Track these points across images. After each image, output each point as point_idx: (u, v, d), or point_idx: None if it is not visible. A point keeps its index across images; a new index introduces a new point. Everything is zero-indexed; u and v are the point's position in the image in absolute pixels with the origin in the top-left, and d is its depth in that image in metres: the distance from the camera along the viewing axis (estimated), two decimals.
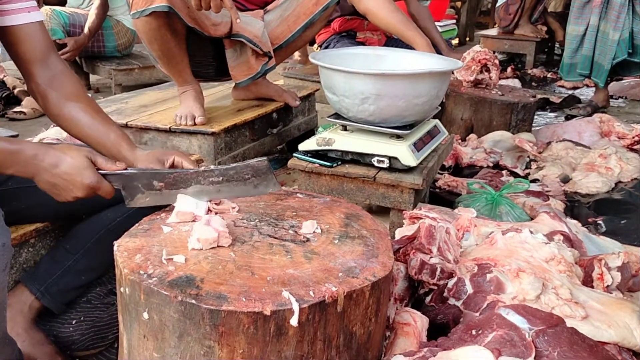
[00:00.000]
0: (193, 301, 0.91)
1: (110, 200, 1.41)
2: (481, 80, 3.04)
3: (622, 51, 3.58)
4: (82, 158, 1.13)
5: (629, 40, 3.56)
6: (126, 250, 1.06)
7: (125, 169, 1.17)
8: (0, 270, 0.98)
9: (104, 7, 3.96)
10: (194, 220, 1.16)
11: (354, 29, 3.42)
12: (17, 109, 3.62)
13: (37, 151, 1.12)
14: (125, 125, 2.20)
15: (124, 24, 4.15)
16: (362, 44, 3.35)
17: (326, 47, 3.42)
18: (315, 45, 3.75)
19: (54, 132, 1.84)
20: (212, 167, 1.14)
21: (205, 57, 2.41)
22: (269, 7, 2.42)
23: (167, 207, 1.23)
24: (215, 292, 0.93)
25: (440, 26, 6.28)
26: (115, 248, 1.07)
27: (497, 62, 3.06)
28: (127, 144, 1.35)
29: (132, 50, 4.50)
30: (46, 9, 3.95)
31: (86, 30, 3.90)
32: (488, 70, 3.02)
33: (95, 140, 1.35)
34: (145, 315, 0.97)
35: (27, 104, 3.63)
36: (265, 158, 1.14)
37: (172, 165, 1.32)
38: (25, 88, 3.94)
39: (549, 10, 6.25)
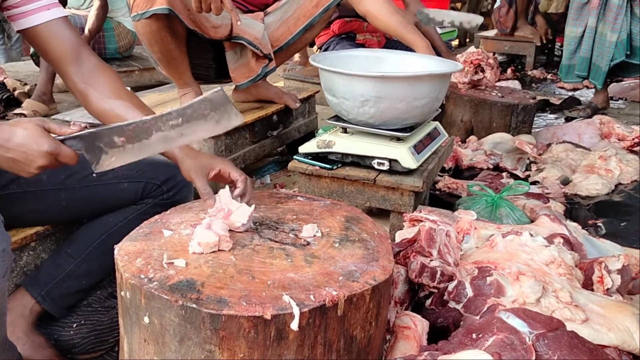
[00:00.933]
0: (194, 305, 0.91)
1: (111, 205, 1.42)
2: (478, 81, 3.04)
3: (619, 53, 3.59)
4: (33, 127, 1.08)
5: (626, 42, 3.56)
6: (127, 254, 1.06)
7: (81, 130, 1.11)
8: (0, 276, 0.99)
9: (104, 9, 3.95)
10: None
11: (353, 30, 3.42)
12: (18, 111, 3.62)
13: None
14: None
15: (125, 25, 4.15)
16: (362, 45, 3.35)
17: (326, 49, 3.42)
18: (315, 47, 3.75)
19: None
20: (168, 109, 1.07)
21: (206, 59, 2.41)
22: (269, 9, 2.42)
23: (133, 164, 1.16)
24: (215, 296, 0.93)
25: (439, 28, 6.28)
26: (115, 252, 1.07)
27: (491, 61, 3.05)
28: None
29: (133, 52, 4.50)
30: None
31: (86, 32, 3.90)
32: (483, 71, 3.02)
33: None
34: (146, 319, 0.97)
35: (28, 106, 3.63)
36: (219, 87, 1.07)
37: (217, 177, 1.30)
38: (26, 90, 3.95)
39: (549, 11, 6.24)
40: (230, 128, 1.11)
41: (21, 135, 1.06)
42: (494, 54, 3.95)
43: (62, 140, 1.08)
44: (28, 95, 3.86)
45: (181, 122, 1.08)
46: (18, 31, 1.34)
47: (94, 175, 1.40)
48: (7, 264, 1.00)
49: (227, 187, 1.25)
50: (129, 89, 1.42)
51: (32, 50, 3.91)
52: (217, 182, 1.34)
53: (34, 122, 1.09)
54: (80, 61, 1.35)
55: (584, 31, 3.73)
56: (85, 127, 1.11)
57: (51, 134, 1.09)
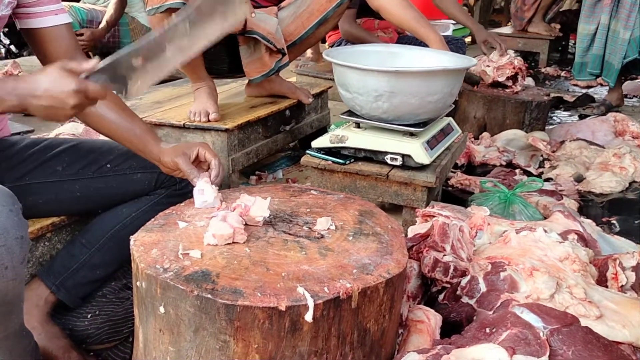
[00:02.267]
0: (209, 296, 0.92)
1: (125, 196, 1.43)
2: (503, 85, 3.01)
3: (632, 50, 3.56)
4: (55, 70, 1.08)
5: (639, 39, 3.53)
6: (142, 244, 1.07)
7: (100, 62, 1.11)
8: (19, 263, 1.00)
9: (122, 2, 3.97)
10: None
11: (365, 29, 3.41)
12: None
13: (15, 82, 1.08)
14: None
15: (140, 20, 4.16)
16: None
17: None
18: (327, 44, 3.75)
19: (69, 128, 1.86)
20: (172, 16, 1.05)
21: (219, 53, 2.41)
22: (282, 4, 2.42)
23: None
24: (230, 287, 0.94)
25: (453, 24, 6.25)
26: (131, 242, 1.08)
27: (525, 75, 3.05)
28: (153, 138, 1.37)
29: None
30: (64, 5, 3.96)
31: (104, 23, 3.92)
32: (515, 79, 3.00)
33: (121, 136, 1.37)
34: (162, 310, 0.98)
35: None
36: None
37: (197, 158, 1.34)
38: None
39: (562, 9, 6.20)
40: (239, 20, 1.08)
41: (45, 80, 1.07)
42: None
43: (86, 77, 1.09)
44: None
45: (189, 26, 1.07)
46: (20, 29, 1.37)
47: (108, 165, 1.41)
48: (25, 251, 1.01)
49: (204, 175, 1.30)
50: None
51: None
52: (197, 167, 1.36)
53: (55, 65, 1.09)
54: None
55: (597, 28, 3.70)
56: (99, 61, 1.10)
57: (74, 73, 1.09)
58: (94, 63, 1.09)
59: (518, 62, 2.99)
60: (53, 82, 1.07)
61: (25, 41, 1.42)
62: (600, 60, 3.75)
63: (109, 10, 3.93)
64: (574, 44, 6.35)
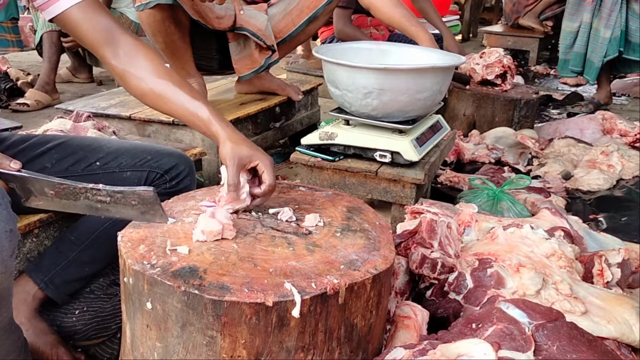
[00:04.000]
0: (196, 291, 0.92)
1: None
2: (492, 83, 3.02)
3: (613, 49, 3.60)
4: None
5: (620, 38, 3.57)
6: (130, 240, 1.07)
7: (19, 170, 1.13)
8: (8, 256, 0.99)
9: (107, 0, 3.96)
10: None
11: (357, 26, 3.42)
12: (21, 100, 3.63)
13: None
14: (129, 118, 2.21)
15: (128, 16, 4.14)
16: None
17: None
18: (318, 41, 3.75)
19: (57, 124, 1.84)
20: (100, 186, 1.10)
21: (209, 50, 2.41)
22: (273, 1, 2.42)
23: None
24: (218, 282, 0.94)
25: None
26: (119, 238, 1.08)
27: (514, 73, 3.05)
28: (217, 119, 1.27)
29: None
30: None
31: None
32: (504, 78, 3.01)
33: (185, 118, 1.31)
34: (149, 305, 0.98)
35: (30, 96, 3.64)
36: (151, 189, 1.08)
37: (253, 170, 1.23)
38: (29, 80, 3.95)
39: None
40: (152, 222, 1.12)
41: None
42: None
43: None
44: (31, 85, 3.87)
45: (109, 201, 1.11)
46: (50, 20, 1.32)
47: (97, 163, 1.41)
48: (14, 244, 1.01)
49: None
50: (167, 65, 1.38)
51: (36, 41, 3.91)
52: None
53: None
54: (115, 43, 1.31)
55: (580, 26, 3.74)
56: (21, 169, 1.14)
57: None
58: (15, 167, 1.13)
59: (507, 60, 3.00)
60: None
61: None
62: (582, 58, 3.81)
63: None
64: None
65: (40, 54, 3.93)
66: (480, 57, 3.04)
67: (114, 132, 1.93)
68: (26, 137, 1.45)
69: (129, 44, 1.32)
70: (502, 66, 2.97)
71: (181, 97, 1.29)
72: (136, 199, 1.09)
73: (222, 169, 1.23)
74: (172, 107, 1.31)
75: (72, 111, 2.03)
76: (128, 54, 1.31)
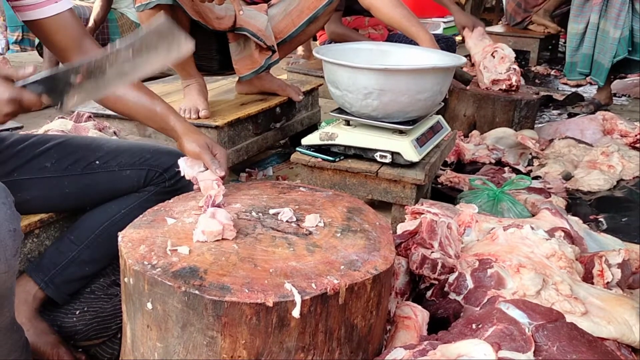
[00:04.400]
0: (196, 292, 0.92)
1: (114, 192, 1.43)
2: (503, 82, 2.99)
3: (622, 49, 3.56)
4: None
5: (629, 38, 3.55)
6: (130, 241, 1.07)
7: (34, 72, 1.10)
8: (11, 256, 1.00)
9: (108, 0, 3.96)
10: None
11: (355, 27, 3.42)
12: None
13: None
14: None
15: (129, 16, 4.15)
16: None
17: None
18: (317, 43, 3.75)
19: (58, 124, 1.85)
20: (116, 43, 1.07)
21: (209, 50, 2.41)
22: (273, 1, 2.42)
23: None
24: (218, 283, 0.94)
25: (444, 22, 6.26)
26: (119, 239, 1.08)
27: (519, 86, 3.02)
28: (174, 115, 1.38)
29: None
30: None
31: (91, 22, 3.90)
32: (509, 91, 2.99)
33: (143, 115, 1.39)
34: (149, 306, 0.98)
35: None
36: (164, 17, 1.06)
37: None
38: None
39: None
40: (182, 55, 1.10)
41: None
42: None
43: (23, 86, 1.07)
44: None
45: (132, 55, 1.08)
46: (24, 21, 1.35)
47: (97, 162, 1.41)
48: (17, 244, 1.02)
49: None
50: None
51: (37, 41, 3.91)
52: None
53: None
54: (82, 50, 1.38)
55: (586, 28, 3.71)
56: (35, 70, 1.09)
57: (10, 80, 1.08)
58: (31, 70, 1.08)
59: (516, 78, 2.95)
60: None
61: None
62: (589, 59, 3.76)
63: (95, 9, 3.92)
64: (564, 43, 6.38)
65: (41, 54, 3.93)
66: (486, 59, 3.00)
67: (114, 133, 1.93)
68: (26, 136, 1.45)
69: (94, 51, 1.39)
70: (510, 85, 2.94)
71: (139, 98, 1.38)
72: (155, 37, 1.07)
73: (181, 161, 1.33)
74: (131, 108, 1.39)
75: (73, 111, 2.03)
76: None
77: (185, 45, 1.09)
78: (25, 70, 1.08)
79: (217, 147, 1.35)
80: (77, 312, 1.42)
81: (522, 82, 3.48)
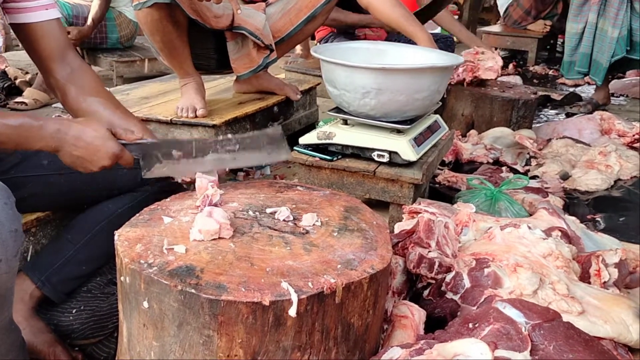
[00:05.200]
0: (193, 290, 0.92)
1: (110, 191, 1.43)
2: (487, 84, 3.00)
3: (620, 49, 3.56)
4: (103, 130, 1.17)
5: (627, 37, 3.55)
6: (127, 239, 1.07)
7: (141, 138, 1.19)
8: (12, 256, 1.00)
9: None
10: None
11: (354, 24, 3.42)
12: (19, 99, 3.62)
13: (60, 126, 1.14)
14: None
15: (127, 15, 4.15)
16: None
17: (325, 43, 3.42)
18: (314, 42, 3.75)
19: None
20: (229, 135, 1.16)
21: (207, 49, 2.41)
22: (271, 0, 2.42)
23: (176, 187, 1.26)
24: (214, 282, 0.94)
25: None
26: (116, 237, 1.08)
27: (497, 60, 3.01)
28: (149, 137, 1.36)
29: (134, 42, 4.50)
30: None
31: (89, 21, 3.90)
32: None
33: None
34: (145, 304, 0.98)
35: (29, 95, 3.63)
36: (279, 127, 1.15)
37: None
38: (27, 79, 3.94)
39: None
40: (278, 161, 1.21)
41: (91, 135, 1.15)
42: (496, 48, 3.89)
43: (125, 145, 1.17)
44: (29, 84, 3.86)
45: (238, 149, 1.17)
46: (10, 24, 1.37)
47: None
48: (18, 244, 1.02)
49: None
50: (109, 89, 1.49)
51: None
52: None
53: (103, 124, 1.18)
54: (65, 61, 1.40)
55: (585, 27, 3.71)
56: (142, 138, 1.19)
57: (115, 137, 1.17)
58: (138, 136, 1.18)
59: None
60: (98, 139, 1.15)
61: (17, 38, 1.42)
62: (587, 58, 3.75)
63: (94, 8, 3.91)
64: (562, 42, 6.38)
65: None
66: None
67: None
68: None
69: (77, 64, 1.42)
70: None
71: (114, 117, 1.37)
72: (264, 140, 1.14)
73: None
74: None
75: (132, 130, 2.03)
76: (74, 72, 1.41)
77: (284, 155, 1.20)
78: (134, 136, 1.20)
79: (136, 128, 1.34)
80: (74, 311, 1.41)
81: (520, 81, 3.49)
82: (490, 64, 2.95)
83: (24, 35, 1.37)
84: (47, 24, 1.36)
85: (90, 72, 1.44)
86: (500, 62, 2.98)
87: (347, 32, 3.42)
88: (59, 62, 1.39)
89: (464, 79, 2.95)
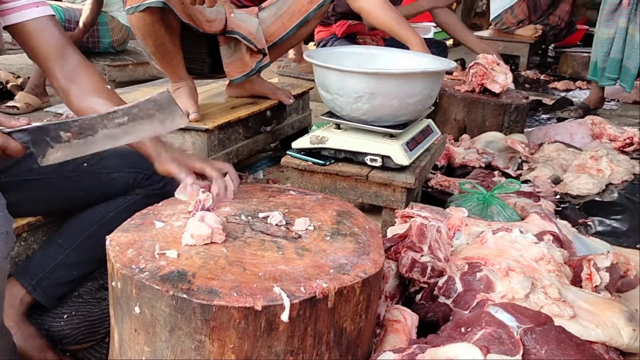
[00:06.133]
0: (185, 296, 0.91)
1: (102, 195, 1.42)
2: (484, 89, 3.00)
3: None
4: None
5: None
6: (118, 244, 1.06)
7: (29, 124, 1.11)
8: (2, 259, 0.99)
9: (99, 2, 3.95)
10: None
11: (356, 32, 3.43)
12: (10, 103, 3.61)
13: None
14: None
15: (119, 20, 4.14)
16: None
17: (323, 46, 3.43)
18: (312, 43, 3.76)
19: None
20: (114, 107, 1.09)
21: (200, 53, 2.41)
22: (263, 5, 2.42)
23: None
24: (206, 287, 0.94)
25: (434, 27, 6.28)
26: (107, 242, 1.07)
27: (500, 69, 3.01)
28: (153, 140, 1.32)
29: (127, 46, 4.49)
30: None
31: (80, 25, 3.89)
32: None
33: None
34: (137, 310, 0.97)
35: (20, 99, 3.62)
36: (166, 90, 1.08)
37: (195, 173, 1.28)
38: (18, 83, 3.93)
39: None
40: (174, 129, 1.11)
41: None
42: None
43: (9, 133, 1.08)
44: (21, 87, 3.85)
45: (127, 120, 1.10)
46: (4, 27, 1.35)
47: (85, 165, 1.40)
48: (9, 246, 1.01)
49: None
50: (109, 87, 1.45)
51: None
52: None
53: None
54: (65, 59, 1.38)
55: (615, 32, 3.61)
56: (30, 123, 1.10)
57: None
58: (24, 122, 1.09)
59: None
60: None
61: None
62: (618, 64, 3.64)
63: (85, 12, 3.90)
64: (554, 47, 6.42)
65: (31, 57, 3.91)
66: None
67: None
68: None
69: (76, 61, 1.39)
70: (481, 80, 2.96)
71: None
72: (154, 107, 1.07)
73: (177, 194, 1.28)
74: None
75: (61, 114, 2.02)
76: (74, 70, 1.38)
77: (180, 120, 1.11)
78: (17, 122, 1.10)
79: (197, 161, 1.31)
80: (65, 316, 1.41)
81: (512, 86, 3.50)
82: (501, 78, 2.95)
83: (19, 36, 1.36)
84: (40, 21, 1.34)
85: (91, 69, 1.42)
86: (510, 79, 2.98)
87: (349, 37, 3.43)
88: (58, 60, 1.37)
89: (473, 84, 2.95)
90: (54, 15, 1.38)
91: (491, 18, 5.91)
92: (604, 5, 3.70)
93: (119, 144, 1.12)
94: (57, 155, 1.11)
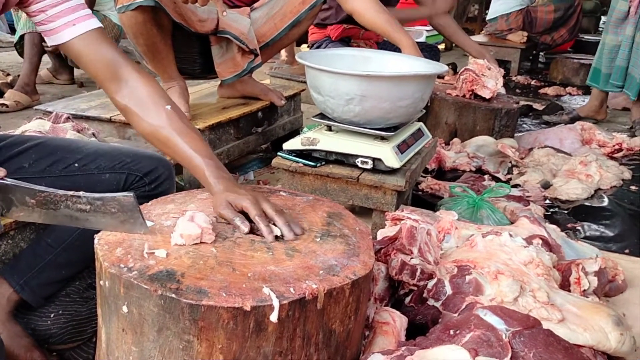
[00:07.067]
0: (173, 295, 0.91)
1: None
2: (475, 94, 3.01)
3: None
4: None
5: None
6: (107, 243, 1.05)
7: (3, 178, 1.10)
8: None
9: (90, 2, 3.93)
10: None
11: (350, 36, 3.43)
12: (0, 101, 3.58)
13: None
14: (109, 120, 2.19)
15: (111, 19, 4.12)
16: None
17: (317, 48, 3.43)
18: (305, 46, 3.75)
19: (36, 125, 1.82)
20: (80, 193, 1.08)
21: (191, 53, 2.40)
22: (255, 5, 2.42)
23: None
24: (195, 286, 0.93)
25: (427, 30, 6.31)
26: (95, 241, 1.06)
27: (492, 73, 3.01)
28: (210, 170, 1.24)
29: (119, 45, 4.47)
30: None
31: None
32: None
33: (184, 163, 1.30)
34: (125, 309, 0.96)
35: (10, 97, 3.60)
36: (131, 194, 1.07)
37: (241, 211, 1.18)
38: (8, 80, 3.90)
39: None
40: (132, 233, 1.10)
41: None
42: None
43: None
44: (11, 85, 3.82)
45: (88, 209, 1.09)
46: (55, 46, 1.34)
47: (76, 164, 1.39)
48: None
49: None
50: (169, 103, 1.36)
51: (15, 39, 3.87)
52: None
53: None
54: (119, 78, 1.33)
55: (622, 40, 3.62)
56: (5, 177, 1.09)
57: None
58: (1, 174, 1.08)
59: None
60: None
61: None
62: (623, 72, 3.65)
63: None
64: (545, 53, 6.46)
65: (21, 54, 3.88)
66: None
67: (93, 134, 1.91)
68: (3, 136, 1.43)
69: (132, 79, 1.33)
70: (470, 90, 2.97)
71: (180, 147, 1.28)
72: (116, 206, 1.07)
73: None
74: (169, 153, 1.34)
75: (51, 112, 2.01)
76: (131, 91, 1.33)
77: (139, 228, 1.09)
78: None
79: (245, 201, 1.18)
80: (52, 316, 1.39)
81: (503, 91, 3.52)
82: (491, 83, 2.96)
83: (70, 56, 1.33)
84: (80, 40, 1.30)
85: (149, 88, 1.33)
86: (501, 84, 2.99)
87: (343, 40, 3.43)
88: (112, 80, 1.33)
89: (464, 90, 2.96)
90: (99, 28, 1.33)
91: (488, 17, 5.93)
92: (612, 13, 3.71)
93: (79, 226, 1.12)
94: (19, 214, 1.12)
